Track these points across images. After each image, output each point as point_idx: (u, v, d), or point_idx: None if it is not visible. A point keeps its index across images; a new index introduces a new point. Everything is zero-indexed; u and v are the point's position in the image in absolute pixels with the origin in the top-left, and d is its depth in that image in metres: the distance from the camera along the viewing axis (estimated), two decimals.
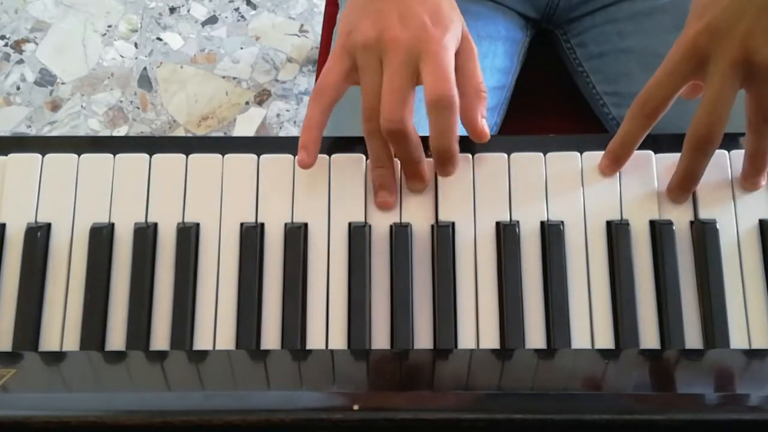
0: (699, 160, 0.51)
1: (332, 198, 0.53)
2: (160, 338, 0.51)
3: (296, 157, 0.53)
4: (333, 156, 0.54)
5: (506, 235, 0.52)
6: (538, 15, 0.78)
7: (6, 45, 1.55)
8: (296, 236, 0.52)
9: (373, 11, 0.52)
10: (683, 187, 0.53)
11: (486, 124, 0.52)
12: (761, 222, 0.52)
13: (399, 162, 0.53)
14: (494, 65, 0.74)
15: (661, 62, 0.51)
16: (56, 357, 0.48)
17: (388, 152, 0.52)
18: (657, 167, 0.54)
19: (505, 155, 0.54)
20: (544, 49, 0.81)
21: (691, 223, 0.52)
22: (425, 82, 0.50)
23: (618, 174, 0.53)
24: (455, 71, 0.51)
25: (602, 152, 0.53)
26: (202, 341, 0.51)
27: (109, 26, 1.57)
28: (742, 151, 0.53)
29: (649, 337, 0.50)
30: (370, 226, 0.52)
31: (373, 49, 0.51)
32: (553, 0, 0.75)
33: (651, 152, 0.54)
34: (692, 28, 0.50)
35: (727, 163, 0.53)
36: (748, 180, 0.53)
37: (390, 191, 0.53)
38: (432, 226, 0.52)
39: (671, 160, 0.53)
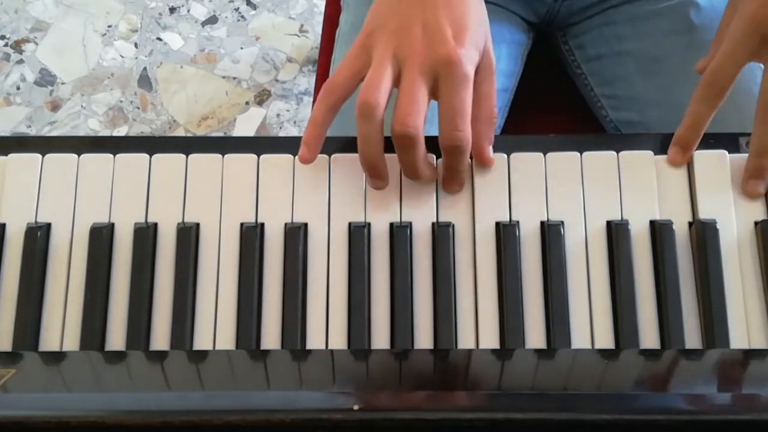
0: (706, 106, 0.52)
1: (332, 198, 0.53)
2: (160, 338, 0.51)
3: (296, 156, 0.53)
4: (333, 156, 0.54)
5: (506, 235, 0.52)
6: (539, 20, 0.78)
7: (6, 45, 1.55)
8: (296, 236, 0.52)
9: (399, 15, 0.51)
10: (686, 136, 0.53)
11: (492, 151, 0.53)
12: (761, 222, 0.52)
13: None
14: (499, 69, 0.73)
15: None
16: (56, 357, 0.48)
17: (379, 133, 0.50)
18: (657, 167, 0.54)
19: (505, 155, 0.54)
20: (544, 50, 0.81)
21: (691, 223, 0.53)
22: (439, 114, 0.49)
23: (618, 174, 0.53)
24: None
25: (602, 152, 0.53)
26: (202, 341, 0.51)
27: (109, 26, 1.57)
28: (740, 155, 0.53)
29: (649, 337, 0.50)
30: (370, 225, 0.52)
31: (391, 55, 0.50)
32: (554, 7, 0.75)
33: (650, 152, 0.54)
34: (751, 4, 0.51)
35: (727, 163, 0.53)
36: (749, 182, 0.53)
37: (382, 178, 0.52)
38: (432, 226, 0.52)
39: None
